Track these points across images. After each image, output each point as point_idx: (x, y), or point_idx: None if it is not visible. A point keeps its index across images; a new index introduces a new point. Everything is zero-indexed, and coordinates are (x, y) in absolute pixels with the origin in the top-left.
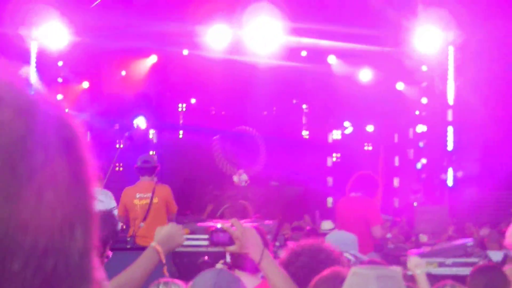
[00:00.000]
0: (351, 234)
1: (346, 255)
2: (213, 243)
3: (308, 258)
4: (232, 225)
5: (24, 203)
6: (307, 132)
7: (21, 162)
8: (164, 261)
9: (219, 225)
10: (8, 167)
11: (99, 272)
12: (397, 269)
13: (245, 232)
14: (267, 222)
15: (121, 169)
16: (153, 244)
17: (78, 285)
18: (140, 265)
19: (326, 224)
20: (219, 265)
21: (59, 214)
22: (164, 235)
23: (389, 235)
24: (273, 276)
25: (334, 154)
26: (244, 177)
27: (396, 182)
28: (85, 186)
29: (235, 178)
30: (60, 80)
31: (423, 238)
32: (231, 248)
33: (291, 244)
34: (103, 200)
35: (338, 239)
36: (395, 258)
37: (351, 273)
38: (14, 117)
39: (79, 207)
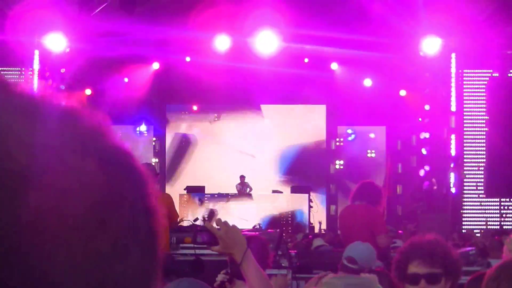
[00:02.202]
0: (373, 249)
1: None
2: (197, 242)
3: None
4: (217, 225)
5: (113, 262)
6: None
7: (110, 219)
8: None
9: (204, 225)
10: (97, 223)
11: None
12: (370, 277)
13: (229, 232)
14: (269, 230)
15: None
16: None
17: None
18: None
19: (317, 241)
20: (220, 276)
21: (143, 272)
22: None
23: (399, 243)
24: (252, 278)
25: (337, 161)
26: (247, 184)
27: (399, 189)
28: (158, 241)
29: (238, 187)
30: (62, 87)
31: None
32: (215, 248)
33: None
34: None
35: (366, 257)
36: None
37: (323, 283)
38: (99, 169)
39: (155, 263)
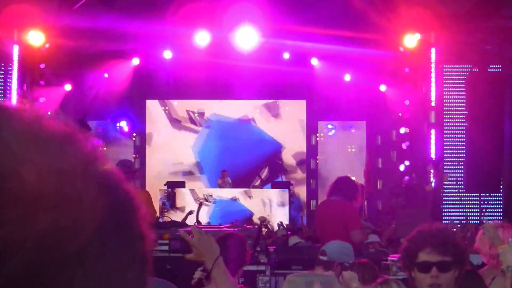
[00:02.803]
0: (347, 244)
1: (346, 265)
2: (172, 250)
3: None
4: (190, 233)
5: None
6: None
7: (109, 242)
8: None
9: (179, 232)
10: (98, 245)
11: None
12: (330, 275)
13: (202, 240)
14: (248, 226)
15: None
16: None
17: None
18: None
19: (293, 239)
20: (198, 273)
21: None
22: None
23: (373, 238)
24: (222, 285)
25: (317, 157)
26: (228, 180)
27: (379, 184)
28: (150, 263)
29: (219, 181)
30: (42, 82)
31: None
32: (188, 256)
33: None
34: None
35: (339, 250)
36: (376, 262)
37: (286, 281)
38: (98, 193)
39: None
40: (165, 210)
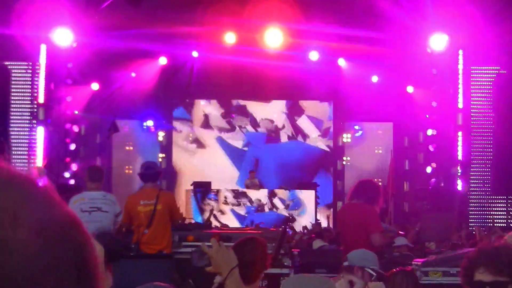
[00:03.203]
0: (371, 252)
1: (368, 270)
2: (194, 263)
3: None
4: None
5: None
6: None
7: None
8: None
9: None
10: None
11: None
12: (326, 279)
13: (219, 252)
14: (272, 229)
15: (130, 171)
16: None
17: None
18: None
19: (318, 242)
20: (218, 278)
21: None
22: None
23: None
24: None
25: (344, 158)
26: (256, 181)
27: (406, 186)
28: None
29: (247, 182)
30: (69, 82)
31: (431, 245)
32: (209, 268)
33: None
34: (107, 210)
35: (359, 256)
36: (400, 266)
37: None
38: (30, 237)
39: None
40: (191, 211)
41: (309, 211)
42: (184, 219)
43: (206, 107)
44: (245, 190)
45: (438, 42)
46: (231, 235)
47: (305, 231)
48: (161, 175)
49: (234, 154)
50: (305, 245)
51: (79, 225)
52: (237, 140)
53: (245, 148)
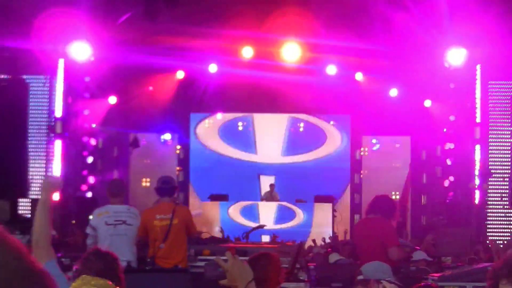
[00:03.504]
0: (385, 264)
1: (385, 283)
2: (207, 276)
3: None
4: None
5: None
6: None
7: None
8: None
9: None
10: None
11: None
12: None
13: (234, 265)
14: (288, 243)
15: (148, 184)
16: None
17: None
18: None
19: (334, 256)
20: None
21: None
22: None
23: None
24: None
25: (361, 171)
26: (276, 194)
27: (423, 199)
28: None
29: (265, 195)
30: (87, 95)
31: (447, 260)
32: (223, 281)
33: None
34: (131, 223)
35: (374, 268)
36: (416, 280)
37: None
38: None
39: None
40: (207, 224)
41: (326, 224)
42: (200, 233)
43: (222, 121)
44: (262, 202)
45: (456, 56)
46: (247, 249)
47: (323, 243)
48: (177, 190)
49: (251, 167)
50: (322, 259)
51: (46, 277)
52: (254, 153)
53: (262, 161)
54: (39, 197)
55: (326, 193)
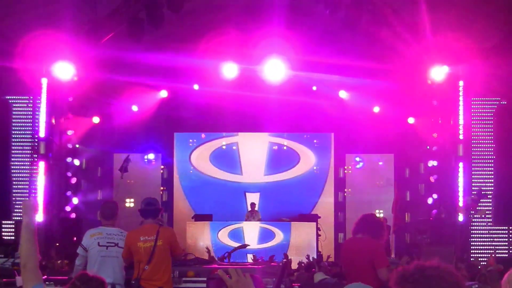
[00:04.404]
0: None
1: None
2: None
3: None
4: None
5: None
6: (317, 167)
7: None
8: None
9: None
10: None
11: None
12: None
13: (240, 282)
14: (272, 264)
15: (131, 204)
16: None
17: None
18: None
19: (319, 275)
20: None
21: None
22: None
23: None
24: None
25: (345, 189)
26: (258, 214)
27: (407, 217)
28: None
29: (247, 214)
30: (70, 115)
31: None
32: None
33: None
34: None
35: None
36: None
37: None
38: None
39: None
40: (192, 245)
41: (311, 243)
42: (186, 255)
43: (206, 140)
44: (244, 222)
45: (438, 73)
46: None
47: (302, 264)
48: (161, 212)
49: (234, 187)
50: (306, 278)
51: None
52: (237, 173)
53: (246, 180)
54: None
55: (310, 211)
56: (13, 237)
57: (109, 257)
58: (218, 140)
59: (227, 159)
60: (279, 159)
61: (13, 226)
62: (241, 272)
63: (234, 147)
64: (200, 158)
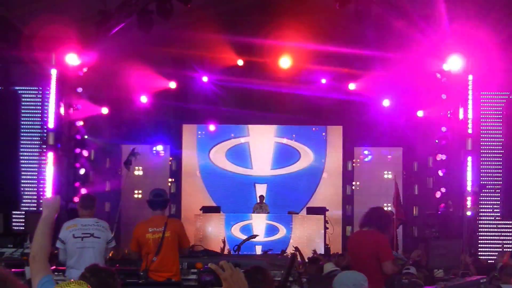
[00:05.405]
0: (361, 274)
1: None
2: (201, 282)
3: None
4: (222, 266)
5: None
6: (324, 160)
7: None
8: None
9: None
10: None
11: None
12: None
13: (234, 276)
14: (280, 257)
15: (139, 196)
16: None
17: None
18: None
19: (329, 266)
20: None
21: None
22: None
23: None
24: None
25: (353, 182)
26: (266, 206)
27: (415, 211)
28: None
29: (256, 206)
30: (79, 106)
31: (439, 273)
32: None
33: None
34: (99, 236)
35: (348, 278)
36: None
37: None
38: None
39: None
40: (200, 236)
41: (318, 236)
42: (193, 246)
43: (214, 131)
44: (253, 214)
45: (448, 67)
46: (239, 261)
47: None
48: (169, 203)
49: (243, 179)
50: (314, 271)
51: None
52: (246, 165)
53: (254, 173)
54: (42, 213)
55: (318, 203)
56: (22, 228)
57: (86, 248)
58: (236, 139)
59: (240, 154)
60: (284, 155)
61: (23, 216)
62: (232, 265)
63: (242, 140)
64: (218, 152)
